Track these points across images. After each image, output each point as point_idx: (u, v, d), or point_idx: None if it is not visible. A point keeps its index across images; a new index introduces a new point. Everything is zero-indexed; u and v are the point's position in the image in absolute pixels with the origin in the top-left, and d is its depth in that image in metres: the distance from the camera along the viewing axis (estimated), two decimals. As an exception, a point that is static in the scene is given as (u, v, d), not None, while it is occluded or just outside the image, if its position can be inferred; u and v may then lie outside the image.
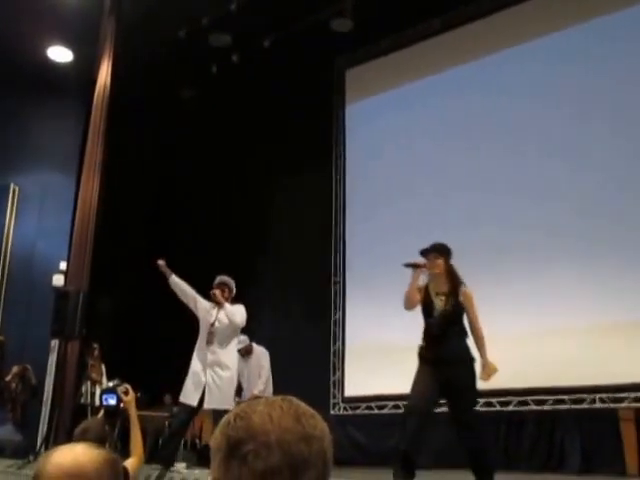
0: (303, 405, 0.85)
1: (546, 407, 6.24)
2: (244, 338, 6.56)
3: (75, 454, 1.17)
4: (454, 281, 4.05)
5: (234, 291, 5.35)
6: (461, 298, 3.99)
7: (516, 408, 6.41)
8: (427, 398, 3.92)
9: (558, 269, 6.46)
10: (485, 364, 3.97)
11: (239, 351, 6.54)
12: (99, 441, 2.57)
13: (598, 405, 6.02)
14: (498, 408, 6.57)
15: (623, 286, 6.08)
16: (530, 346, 6.31)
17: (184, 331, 9.08)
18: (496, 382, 6.47)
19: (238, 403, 6.43)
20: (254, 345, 6.69)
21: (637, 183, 6.25)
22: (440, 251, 4.11)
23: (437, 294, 4.03)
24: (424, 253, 4.13)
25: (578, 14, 7.02)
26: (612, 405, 5.93)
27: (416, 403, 3.94)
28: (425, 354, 3.99)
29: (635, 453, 5.66)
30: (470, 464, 3.90)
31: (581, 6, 7.03)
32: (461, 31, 7.97)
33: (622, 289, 6.07)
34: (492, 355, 6.38)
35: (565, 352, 6.02)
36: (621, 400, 5.90)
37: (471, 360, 3.96)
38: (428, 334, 4.01)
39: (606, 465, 5.81)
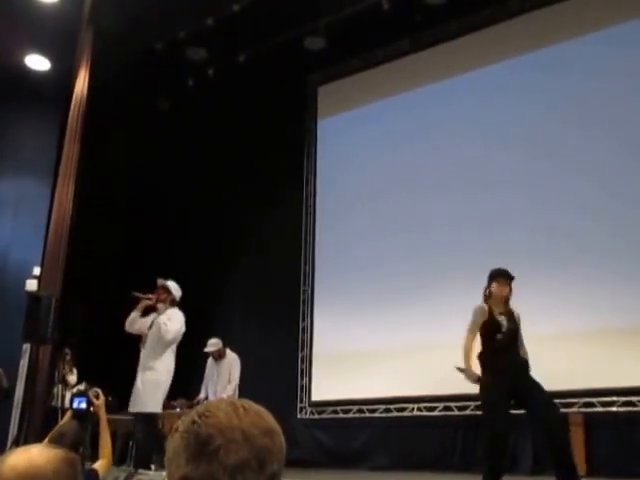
0: (257, 405, 0.90)
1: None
2: (217, 341, 6.64)
3: (30, 455, 1.14)
4: (507, 302, 4.51)
5: (174, 294, 5.31)
6: (516, 317, 4.46)
7: (473, 412, 6.71)
8: (507, 416, 4.29)
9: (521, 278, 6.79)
10: None
11: (212, 354, 6.66)
12: (75, 446, 2.67)
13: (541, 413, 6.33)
14: (456, 412, 6.89)
15: (572, 296, 6.45)
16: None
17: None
18: (454, 388, 6.82)
19: (195, 405, 6.58)
20: (227, 351, 6.74)
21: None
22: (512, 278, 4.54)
23: (500, 314, 4.45)
24: (513, 278, 4.53)
25: (538, 41, 7.44)
26: (562, 410, 6.23)
27: (498, 427, 4.25)
28: (495, 363, 4.36)
29: (583, 455, 5.96)
30: (556, 465, 4.12)
31: (534, 37, 7.46)
32: (428, 52, 8.34)
33: (571, 299, 6.44)
34: (453, 361, 6.72)
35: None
36: (571, 405, 6.23)
37: (529, 368, 4.43)
38: (501, 346, 4.39)
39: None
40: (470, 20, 7.94)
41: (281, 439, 0.87)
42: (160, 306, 5.22)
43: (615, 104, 6.71)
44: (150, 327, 5.18)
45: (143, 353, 5.17)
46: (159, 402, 5.07)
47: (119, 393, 7.69)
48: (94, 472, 2.75)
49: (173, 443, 0.85)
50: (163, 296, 5.24)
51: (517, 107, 7.40)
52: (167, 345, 5.14)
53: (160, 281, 5.35)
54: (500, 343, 4.37)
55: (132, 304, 5.34)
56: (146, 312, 5.37)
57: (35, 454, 1.15)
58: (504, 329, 4.37)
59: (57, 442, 2.64)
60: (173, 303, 5.29)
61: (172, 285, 5.33)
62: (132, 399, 5.09)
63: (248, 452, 0.81)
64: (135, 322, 5.22)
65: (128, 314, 9.06)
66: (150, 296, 5.26)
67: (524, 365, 4.39)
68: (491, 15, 7.82)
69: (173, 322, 5.14)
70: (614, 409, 6.08)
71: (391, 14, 7.71)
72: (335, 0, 7.91)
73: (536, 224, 6.88)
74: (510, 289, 4.50)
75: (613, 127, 6.67)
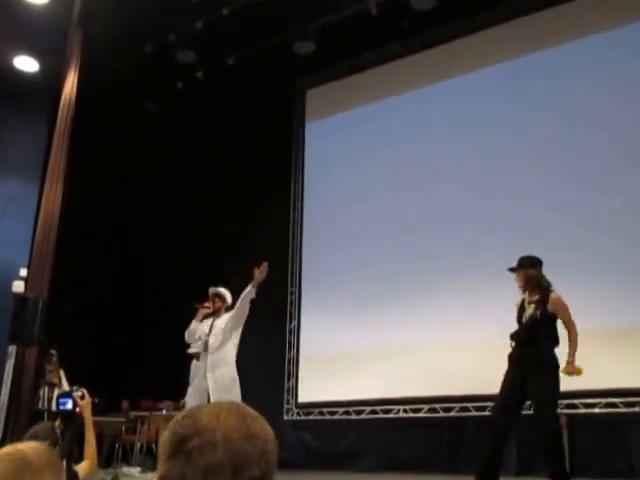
0: (249, 409, 0.89)
1: (485, 413, 6.62)
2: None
3: (14, 446, 1.30)
4: (542, 290, 4.31)
5: (228, 302, 5.40)
6: (549, 305, 4.23)
7: (458, 414, 6.77)
8: (507, 408, 4.23)
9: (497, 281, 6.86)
10: (569, 362, 4.14)
11: (195, 355, 6.68)
12: (49, 445, 2.74)
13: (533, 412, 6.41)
14: (442, 414, 6.94)
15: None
16: (471, 355, 6.69)
17: (143, 339, 9.23)
18: (439, 389, 6.89)
19: (181, 407, 6.60)
20: None
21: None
22: (522, 265, 4.39)
23: (529, 303, 4.32)
24: (513, 270, 4.41)
25: (534, 43, 7.51)
26: (546, 411, 6.32)
27: (496, 416, 4.30)
28: (512, 355, 4.29)
29: (567, 456, 6.05)
30: (549, 469, 4.14)
31: (522, 41, 7.55)
32: (417, 56, 8.39)
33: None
34: (438, 362, 6.78)
35: (502, 362, 6.39)
36: (555, 407, 6.31)
37: (551, 364, 4.16)
38: (516, 337, 4.28)
39: (540, 468, 6.19)
40: (458, 24, 8.00)
41: (264, 445, 0.85)
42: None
43: (614, 106, 6.76)
44: (209, 333, 5.22)
45: (208, 358, 5.18)
46: (238, 395, 5.01)
47: (106, 394, 7.70)
48: (74, 473, 2.76)
49: (160, 442, 0.87)
50: (219, 304, 5.33)
51: (511, 110, 7.46)
52: (232, 338, 5.23)
53: (213, 289, 5.43)
54: (517, 334, 4.28)
55: (191, 314, 5.33)
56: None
57: (19, 445, 1.31)
58: (524, 320, 4.28)
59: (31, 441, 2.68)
60: (227, 309, 5.41)
61: (226, 293, 5.45)
62: (197, 399, 5.04)
63: (222, 455, 0.80)
64: (196, 332, 5.28)
65: (120, 314, 9.05)
66: (207, 304, 5.33)
67: (537, 362, 4.16)
68: (481, 19, 7.89)
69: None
70: (597, 410, 6.16)
71: (380, 19, 7.78)
72: (325, 4, 7.97)
73: (530, 224, 6.91)
74: (519, 278, 4.38)
75: (613, 130, 6.72)
